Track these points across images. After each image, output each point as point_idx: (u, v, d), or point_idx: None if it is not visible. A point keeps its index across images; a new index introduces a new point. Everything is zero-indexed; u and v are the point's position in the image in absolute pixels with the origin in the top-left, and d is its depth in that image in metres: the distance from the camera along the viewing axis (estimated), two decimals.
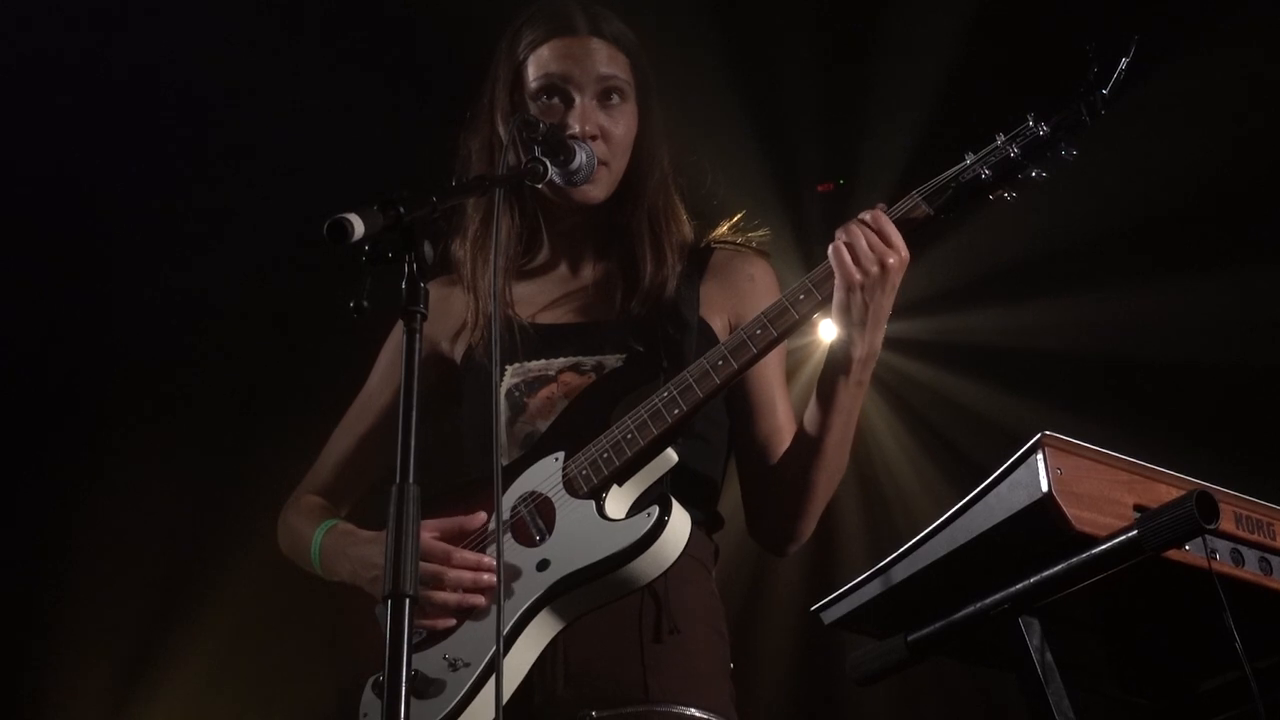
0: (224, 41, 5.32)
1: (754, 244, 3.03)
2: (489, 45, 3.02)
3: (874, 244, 2.56)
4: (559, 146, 2.76)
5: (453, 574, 2.61)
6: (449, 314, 2.98)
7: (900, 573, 2.33)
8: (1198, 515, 2.04)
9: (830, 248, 2.60)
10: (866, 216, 2.60)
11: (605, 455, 2.64)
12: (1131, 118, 4.96)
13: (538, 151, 2.71)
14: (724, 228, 3.04)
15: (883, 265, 2.56)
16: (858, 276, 2.56)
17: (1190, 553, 2.14)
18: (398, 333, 3.03)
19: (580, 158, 2.78)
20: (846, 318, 2.60)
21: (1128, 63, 2.47)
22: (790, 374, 3.03)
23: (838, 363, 2.65)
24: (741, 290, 2.95)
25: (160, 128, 5.51)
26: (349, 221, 2.10)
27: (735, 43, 5.54)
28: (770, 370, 2.87)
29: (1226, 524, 2.19)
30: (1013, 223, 5.48)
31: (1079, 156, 2.53)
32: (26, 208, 5.54)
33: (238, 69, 5.38)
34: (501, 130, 2.90)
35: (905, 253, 2.58)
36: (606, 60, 2.90)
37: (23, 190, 5.49)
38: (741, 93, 5.65)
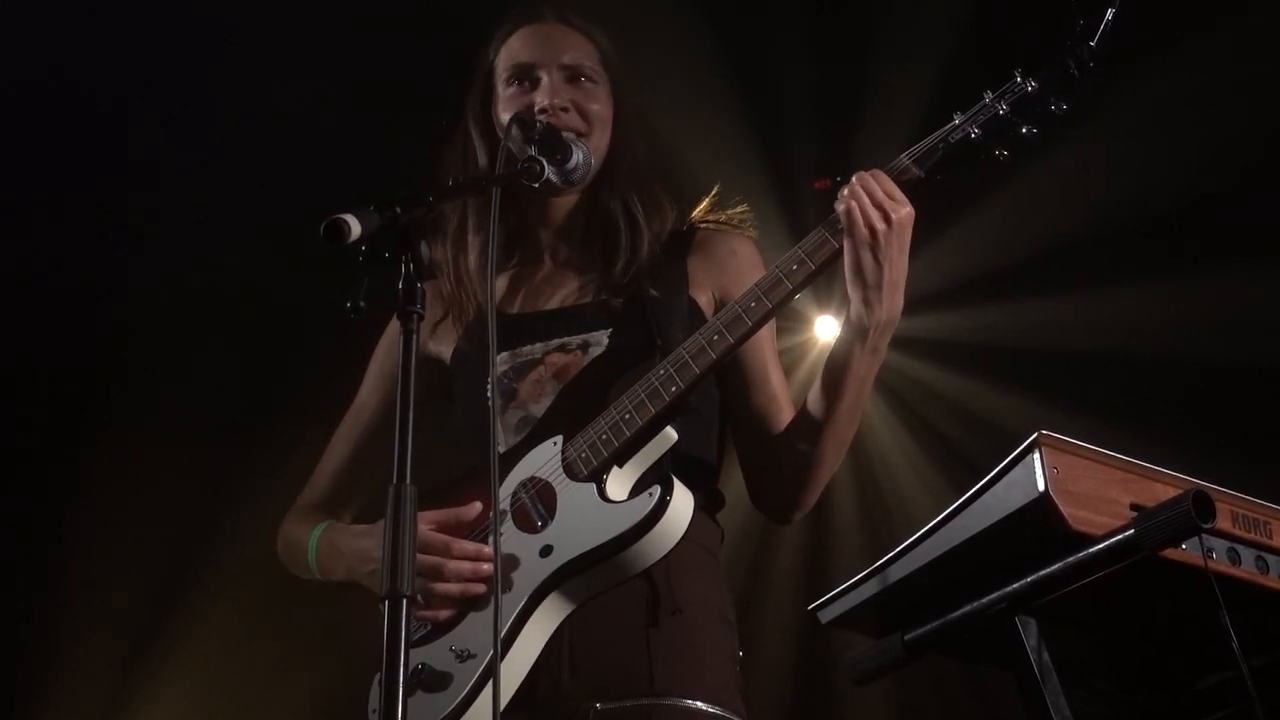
0: (220, 38, 5.33)
1: (736, 220, 3.01)
2: (468, 46, 3.04)
3: (878, 200, 2.52)
4: (556, 145, 2.76)
5: (452, 565, 2.60)
6: (433, 314, 2.98)
7: (897, 572, 2.33)
8: (1194, 514, 2.04)
9: (837, 206, 2.55)
10: (865, 176, 2.56)
11: (604, 437, 2.62)
12: (1129, 116, 4.97)
13: (534, 151, 2.72)
14: (704, 204, 3.03)
15: (888, 220, 2.52)
16: (865, 233, 2.52)
17: (1187, 552, 2.14)
18: (387, 339, 3.06)
19: (577, 156, 2.79)
20: (861, 279, 2.54)
21: (1114, 14, 2.44)
22: (786, 373, 3.02)
23: (855, 329, 2.60)
24: (724, 265, 2.94)
25: (164, 127, 5.51)
26: (346, 222, 2.10)
27: (731, 40, 5.54)
28: (762, 340, 2.83)
29: (1223, 523, 2.19)
30: (1011, 221, 5.50)
31: (1077, 159, 2.52)
32: (30, 200, 5.55)
33: (240, 70, 5.38)
34: (474, 133, 2.94)
35: (909, 207, 2.54)
36: (574, 45, 2.94)
37: (20, 183, 5.49)
38: (737, 90, 5.66)
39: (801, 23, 5.57)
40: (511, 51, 2.95)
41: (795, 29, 5.57)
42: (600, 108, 2.92)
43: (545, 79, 2.89)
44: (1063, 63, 2.47)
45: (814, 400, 2.70)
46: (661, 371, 2.61)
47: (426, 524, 2.60)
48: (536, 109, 2.86)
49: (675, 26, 5.16)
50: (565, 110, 2.87)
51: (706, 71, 5.49)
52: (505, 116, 2.88)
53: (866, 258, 2.53)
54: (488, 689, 2.53)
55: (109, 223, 5.70)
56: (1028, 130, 2.52)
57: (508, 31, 2.98)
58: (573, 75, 2.92)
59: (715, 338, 2.60)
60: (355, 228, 2.11)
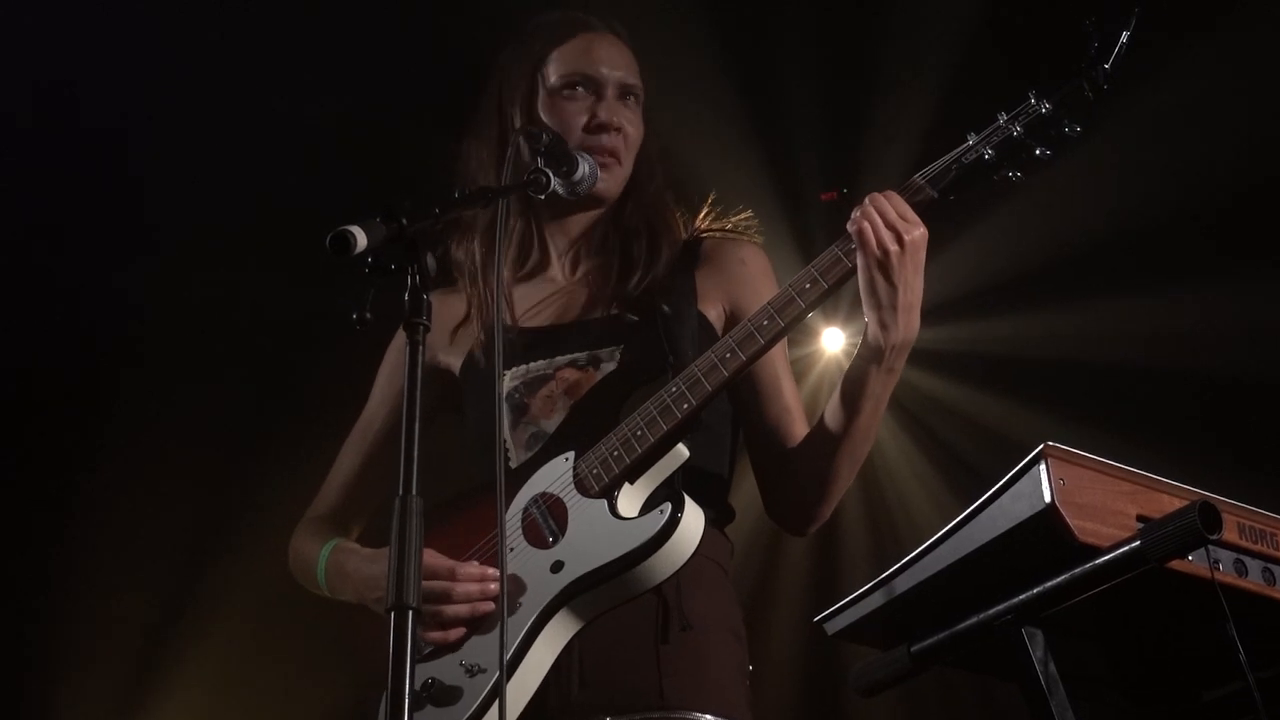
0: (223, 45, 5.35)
1: (741, 227, 3.03)
2: (469, 52, 3.03)
3: (890, 221, 2.52)
4: (562, 157, 2.77)
5: (460, 588, 2.61)
6: (443, 324, 2.98)
7: (903, 584, 2.33)
8: (1201, 525, 2.04)
9: (850, 226, 2.55)
10: (878, 197, 2.56)
11: (616, 453, 2.62)
12: (1137, 124, 4.97)
13: (540, 163, 2.72)
14: (705, 211, 3.04)
15: (901, 241, 2.52)
16: (878, 254, 2.52)
17: (1193, 563, 2.14)
18: (395, 348, 3.06)
19: (583, 168, 2.80)
20: (875, 301, 2.55)
21: (1129, 36, 2.44)
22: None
23: (870, 350, 2.60)
24: (733, 275, 2.95)
25: (174, 133, 5.53)
26: (351, 234, 2.11)
27: (739, 53, 5.55)
28: (773, 353, 2.83)
29: (1230, 534, 2.19)
30: (1018, 232, 5.50)
31: (1085, 166, 2.52)
32: (37, 207, 5.57)
33: (248, 78, 5.40)
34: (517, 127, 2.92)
35: (923, 228, 2.54)
36: (627, 62, 2.96)
37: (32, 190, 5.51)
38: (744, 102, 5.66)
39: (808, 31, 5.57)
40: (570, 57, 2.93)
41: (802, 37, 5.58)
42: (636, 131, 2.95)
43: (606, 93, 2.91)
44: (1077, 85, 2.48)
45: (830, 415, 2.71)
46: (674, 388, 2.61)
47: (431, 552, 2.59)
48: (595, 123, 2.88)
49: (680, 33, 5.17)
50: (618, 130, 2.89)
51: (712, 80, 5.49)
52: (562, 120, 2.88)
53: (879, 279, 2.53)
54: (497, 702, 2.53)
55: (115, 231, 5.71)
56: (1041, 152, 2.53)
57: (561, 35, 2.96)
58: (623, 94, 2.94)
59: (728, 355, 2.60)
60: (361, 239, 2.12)
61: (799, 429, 2.85)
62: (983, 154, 2.55)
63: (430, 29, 5.22)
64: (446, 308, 2.98)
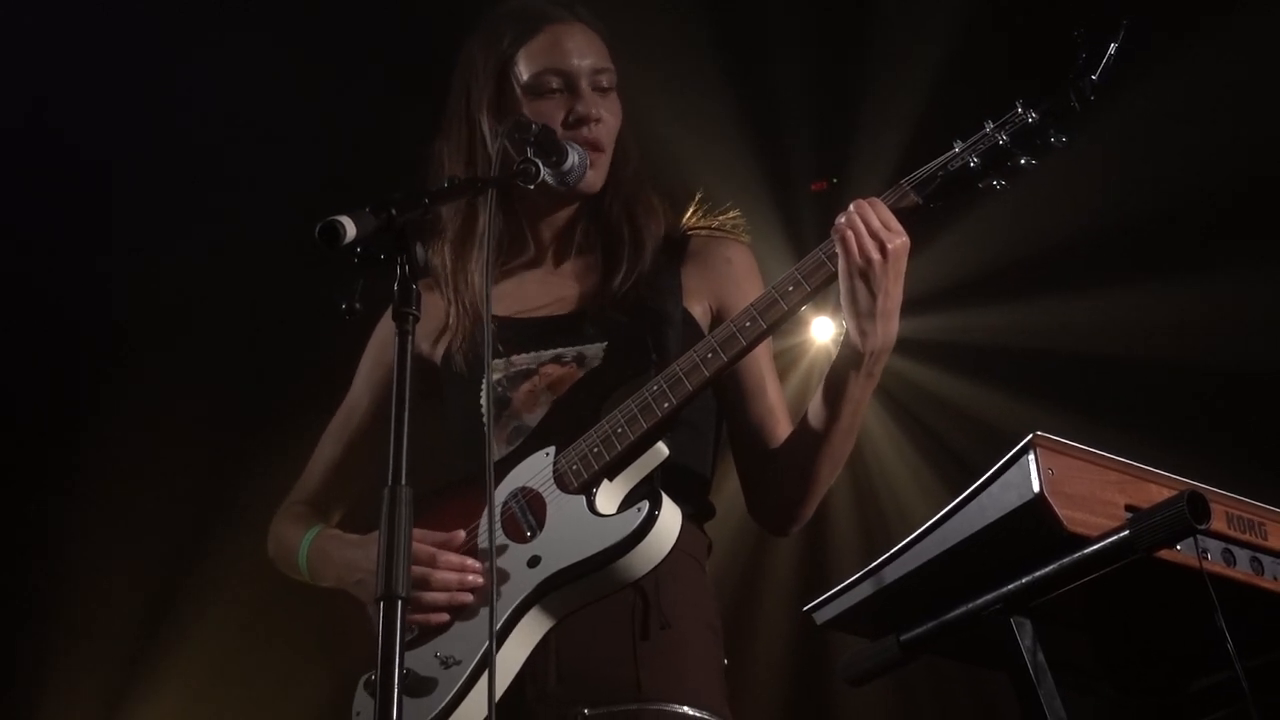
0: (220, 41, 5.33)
1: (728, 226, 3.02)
2: (441, 46, 3.02)
3: (874, 229, 2.53)
4: (551, 148, 2.76)
5: (439, 575, 2.61)
6: (427, 317, 2.96)
7: (892, 573, 2.33)
8: (1189, 515, 2.04)
9: (833, 233, 2.56)
10: (862, 204, 2.57)
11: (596, 450, 2.63)
12: (1128, 116, 4.98)
13: (530, 153, 2.71)
14: (692, 208, 3.03)
15: (883, 250, 2.53)
16: (860, 262, 2.53)
17: (1182, 553, 2.14)
18: (379, 337, 3.06)
19: (572, 159, 2.78)
20: (855, 308, 2.56)
21: (1117, 47, 2.45)
22: (783, 374, 3.03)
23: (850, 355, 2.62)
24: (719, 274, 2.94)
25: (165, 130, 5.51)
26: (341, 224, 2.11)
27: (728, 41, 5.55)
28: (758, 353, 2.84)
29: (1218, 524, 2.19)
30: (1009, 222, 5.50)
31: (1077, 156, 2.52)
32: (22, 201, 5.55)
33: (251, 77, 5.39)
34: (486, 129, 2.89)
35: (905, 237, 2.55)
36: (597, 50, 2.92)
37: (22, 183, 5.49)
38: (735, 91, 5.65)
39: (802, 21, 5.57)
40: (538, 54, 2.87)
41: (795, 27, 5.57)
42: (615, 118, 2.92)
43: (581, 86, 2.87)
44: (1064, 95, 2.48)
45: (812, 417, 2.72)
46: (655, 387, 2.62)
47: (420, 531, 2.59)
48: (573, 117, 2.84)
49: (670, 24, 5.16)
50: (599, 122, 2.86)
51: (703, 71, 5.48)
52: (540, 119, 2.82)
53: (860, 287, 2.55)
54: (472, 694, 2.56)
55: (101, 222, 5.70)
56: (1026, 161, 2.54)
57: (527, 30, 2.90)
58: (598, 84, 2.90)
59: (709, 355, 2.61)
60: (350, 229, 2.12)
61: (782, 429, 2.86)
62: (968, 161, 2.56)
63: (430, 28, 5.20)
64: (431, 299, 2.97)
